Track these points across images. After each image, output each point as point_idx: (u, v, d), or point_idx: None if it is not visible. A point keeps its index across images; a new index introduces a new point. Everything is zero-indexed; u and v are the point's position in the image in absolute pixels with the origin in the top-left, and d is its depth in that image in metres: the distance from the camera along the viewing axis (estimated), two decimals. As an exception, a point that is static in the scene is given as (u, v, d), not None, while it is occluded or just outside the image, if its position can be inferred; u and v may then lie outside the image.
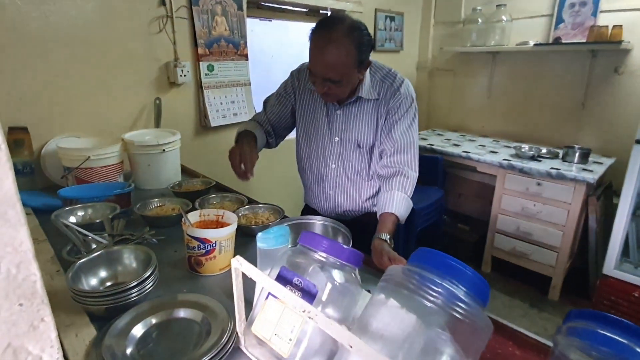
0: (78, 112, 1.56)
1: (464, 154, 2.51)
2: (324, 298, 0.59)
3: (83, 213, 1.12)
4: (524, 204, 2.29)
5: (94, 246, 0.93)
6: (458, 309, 0.49)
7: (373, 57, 1.12)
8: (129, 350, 0.63)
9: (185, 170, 1.69)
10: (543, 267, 2.32)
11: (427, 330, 0.50)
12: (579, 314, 0.56)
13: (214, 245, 0.89)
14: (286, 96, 1.31)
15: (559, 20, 2.53)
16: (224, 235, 0.90)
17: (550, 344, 0.69)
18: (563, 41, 2.49)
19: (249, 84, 2.14)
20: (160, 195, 1.31)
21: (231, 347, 0.65)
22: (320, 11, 2.48)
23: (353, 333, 0.48)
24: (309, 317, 0.52)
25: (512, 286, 2.47)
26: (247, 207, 1.22)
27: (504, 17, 2.68)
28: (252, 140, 1.21)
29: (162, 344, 0.67)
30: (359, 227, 1.13)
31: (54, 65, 1.46)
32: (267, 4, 2.20)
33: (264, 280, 0.58)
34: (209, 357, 0.60)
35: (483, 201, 2.89)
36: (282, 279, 0.61)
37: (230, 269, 0.64)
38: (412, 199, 1.17)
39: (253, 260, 0.68)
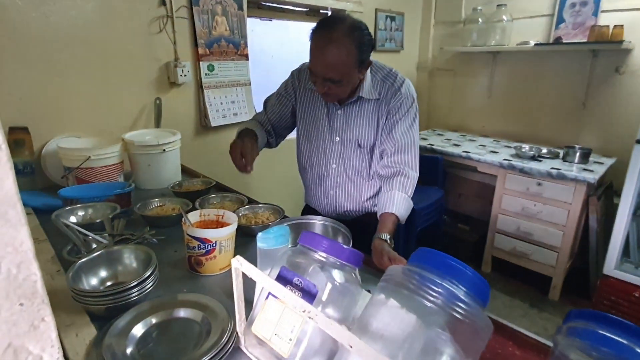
0: (78, 112, 1.56)
1: (464, 154, 2.50)
2: (324, 298, 0.59)
3: (83, 213, 1.12)
4: (525, 204, 2.29)
5: (94, 246, 0.93)
6: (458, 309, 0.49)
7: (373, 57, 1.11)
8: (129, 350, 0.63)
9: (185, 170, 1.69)
10: (543, 267, 2.32)
11: (427, 330, 0.50)
12: (579, 314, 0.56)
13: (214, 245, 0.89)
14: (287, 96, 1.31)
15: (560, 20, 2.52)
16: (224, 235, 0.90)
17: (550, 344, 0.69)
18: (564, 41, 2.48)
19: (249, 84, 2.14)
20: (161, 195, 1.31)
21: (231, 347, 0.65)
22: (321, 11, 2.48)
23: (353, 333, 0.48)
24: (309, 317, 0.52)
25: (512, 286, 2.47)
26: (247, 207, 1.22)
27: (504, 17, 2.67)
28: (253, 137, 1.21)
29: (163, 344, 0.67)
30: (360, 227, 1.14)
31: (54, 66, 1.46)
32: (267, 4, 2.20)
33: (264, 280, 0.59)
34: (209, 357, 0.60)
35: (483, 201, 2.89)
36: (282, 279, 0.61)
37: (230, 269, 0.64)
38: (412, 199, 1.17)
39: (253, 260, 0.68)
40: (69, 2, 1.45)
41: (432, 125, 3.43)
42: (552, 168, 2.15)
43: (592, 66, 2.45)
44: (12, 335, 0.35)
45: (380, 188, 1.24)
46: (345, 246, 0.63)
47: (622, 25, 2.21)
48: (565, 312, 0.58)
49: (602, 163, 2.26)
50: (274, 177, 2.46)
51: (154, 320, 0.70)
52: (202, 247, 0.88)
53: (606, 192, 2.28)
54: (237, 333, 0.67)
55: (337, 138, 1.24)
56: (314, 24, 1.05)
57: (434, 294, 0.51)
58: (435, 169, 2.58)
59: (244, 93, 2.12)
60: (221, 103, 2.02)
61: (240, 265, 0.61)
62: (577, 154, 2.25)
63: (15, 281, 0.35)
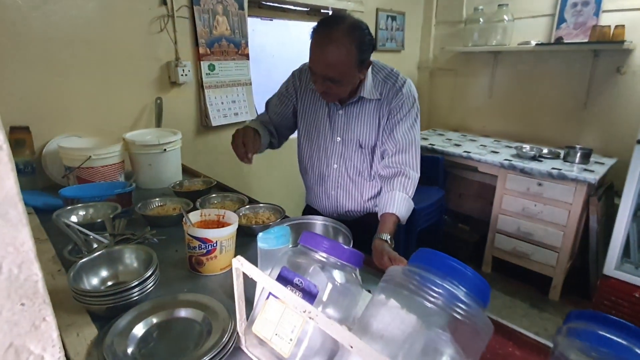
0: (79, 111, 1.56)
1: (464, 154, 2.50)
2: (324, 298, 0.59)
3: (84, 212, 1.13)
4: (525, 204, 2.29)
5: (95, 246, 0.93)
6: (458, 310, 0.50)
7: (374, 56, 1.11)
8: (130, 350, 0.64)
9: (186, 170, 1.69)
10: (544, 267, 2.32)
11: (427, 331, 0.50)
12: (579, 315, 0.56)
13: (214, 245, 0.89)
14: (288, 96, 1.31)
15: (561, 20, 2.52)
16: (224, 235, 0.90)
17: (550, 344, 0.69)
18: (565, 41, 2.48)
19: (250, 84, 2.14)
20: (161, 195, 1.32)
21: (232, 347, 0.65)
22: (322, 11, 2.48)
23: (353, 333, 0.48)
24: (310, 318, 0.52)
25: (512, 286, 2.46)
26: (247, 207, 1.22)
27: (505, 17, 2.67)
28: (256, 132, 1.22)
29: (163, 344, 0.67)
30: (361, 227, 1.14)
31: (55, 65, 1.46)
32: (268, 4, 2.20)
33: (265, 280, 0.59)
34: (210, 357, 0.60)
35: (484, 201, 2.89)
36: (282, 279, 0.61)
37: (231, 269, 0.64)
38: (412, 199, 1.17)
39: (254, 260, 0.68)
40: (70, 2, 1.45)
41: (432, 125, 3.43)
42: (553, 168, 2.15)
43: (593, 66, 2.45)
44: (13, 335, 0.36)
45: (381, 188, 1.24)
46: (345, 246, 0.63)
47: (623, 25, 2.21)
48: (566, 313, 0.58)
49: (602, 163, 2.26)
50: (274, 177, 2.46)
51: (154, 320, 0.70)
52: (202, 247, 0.88)
53: (607, 192, 2.28)
54: (237, 333, 0.67)
55: (339, 138, 1.24)
56: (314, 24, 1.05)
57: (435, 294, 0.51)
58: (436, 169, 2.58)
59: (245, 93, 2.12)
60: (222, 103, 2.02)
61: (241, 265, 0.62)
62: (578, 154, 2.25)
63: (16, 281, 0.35)
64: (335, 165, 1.28)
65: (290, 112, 1.32)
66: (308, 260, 0.63)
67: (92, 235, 0.94)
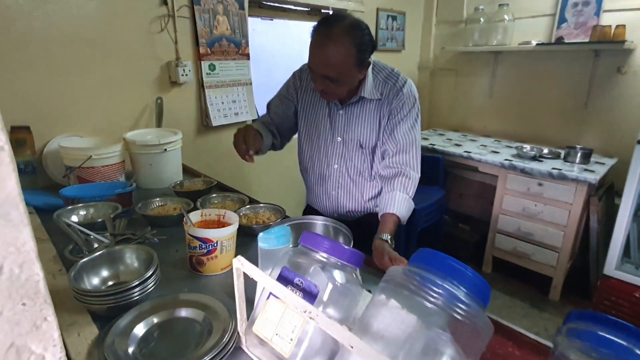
0: (80, 111, 1.56)
1: (465, 154, 2.50)
2: (325, 298, 0.59)
3: (85, 212, 1.13)
4: (525, 204, 2.29)
5: (95, 245, 0.93)
6: (458, 310, 0.50)
7: (374, 56, 1.11)
8: (130, 350, 0.64)
9: (186, 170, 1.69)
10: (544, 267, 2.32)
11: (427, 331, 0.50)
12: (579, 315, 0.56)
13: (215, 245, 0.89)
14: (288, 96, 1.31)
15: (562, 19, 2.52)
16: (225, 235, 0.90)
17: (550, 344, 0.69)
18: (565, 41, 2.48)
19: (251, 84, 2.14)
20: (162, 195, 1.32)
21: (232, 347, 0.65)
22: (322, 10, 2.47)
23: (354, 333, 0.48)
24: (310, 318, 0.52)
25: (512, 286, 2.46)
26: (248, 206, 1.22)
27: (506, 17, 2.67)
28: (258, 132, 1.22)
29: (164, 343, 0.67)
30: (362, 227, 1.14)
31: (55, 65, 1.46)
32: (268, 3, 2.20)
33: (265, 280, 0.59)
34: (210, 357, 0.60)
35: (484, 201, 2.89)
36: (283, 279, 0.61)
37: (231, 269, 0.64)
38: (413, 199, 1.17)
39: (254, 260, 0.68)
40: (70, 2, 1.45)
41: (433, 125, 3.43)
42: (553, 168, 2.14)
43: (594, 66, 2.45)
44: (14, 335, 0.36)
45: (382, 188, 1.24)
46: (346, 246, 0.63)
47: (624, 25, 2.20)
48: (566, 313, 0.58)
49: (603, 163, 2.26)
50: (275, 177, 2.46)
51: (155, 320, 0.71)
52: (203, 246, 0.88)
53: (607, 192, 2.28)
54: (238, 333, 0.67)
55: (339, 138, 1.24)
56: (315, 24, 1.05)
57: (435, 294, 0.51)
58: (436, 169, 2.58)
59: (245, 92, 2.12)
60: (222, 102, 2.02)
61: (241, 265, 0.62)
62: (578, 154, 2.25)
63: (17, 281, 0.35)
64: (336, 166, 1.28)
65: (292, 113, 1.32)
66: (308, 260, 0.63)
67: (92, 235, 0.94)
